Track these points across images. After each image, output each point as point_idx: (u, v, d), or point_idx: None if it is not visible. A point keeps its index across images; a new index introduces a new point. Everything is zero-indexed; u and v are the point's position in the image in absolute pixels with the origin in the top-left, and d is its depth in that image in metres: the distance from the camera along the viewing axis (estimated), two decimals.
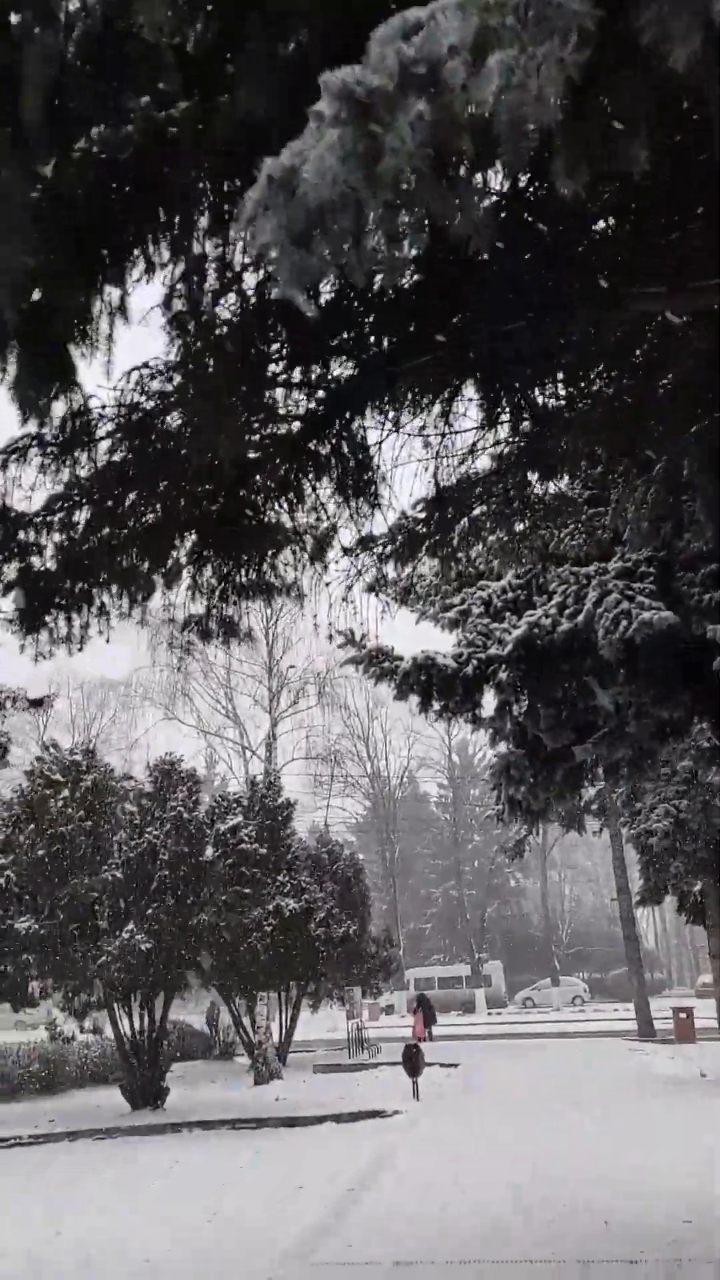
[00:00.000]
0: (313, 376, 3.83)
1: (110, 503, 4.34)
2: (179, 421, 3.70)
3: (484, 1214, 8.58)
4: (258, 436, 4.25)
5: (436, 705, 7.56)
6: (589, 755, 8.05)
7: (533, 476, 6.06)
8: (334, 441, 4.12)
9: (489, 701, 7.83)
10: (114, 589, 4.73)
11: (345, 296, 3.55)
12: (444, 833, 67.58)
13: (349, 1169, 10.87)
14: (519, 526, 6.29)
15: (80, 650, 4.35)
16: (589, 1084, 17.58)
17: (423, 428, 4.93)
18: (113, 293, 3.15)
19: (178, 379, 3.50)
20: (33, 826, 16.93)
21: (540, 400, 5.38)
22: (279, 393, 3.84)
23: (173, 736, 25.69)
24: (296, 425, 4.07)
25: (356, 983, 26.79)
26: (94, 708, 27.92)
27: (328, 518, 4.68)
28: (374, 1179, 10.35)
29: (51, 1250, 8.43)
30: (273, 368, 3.71)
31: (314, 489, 4.37)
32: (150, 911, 16.35)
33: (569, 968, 61.56)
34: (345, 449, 4.13)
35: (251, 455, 4.42)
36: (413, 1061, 16.42)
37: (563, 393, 5.49)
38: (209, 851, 16.55)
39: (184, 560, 4.94)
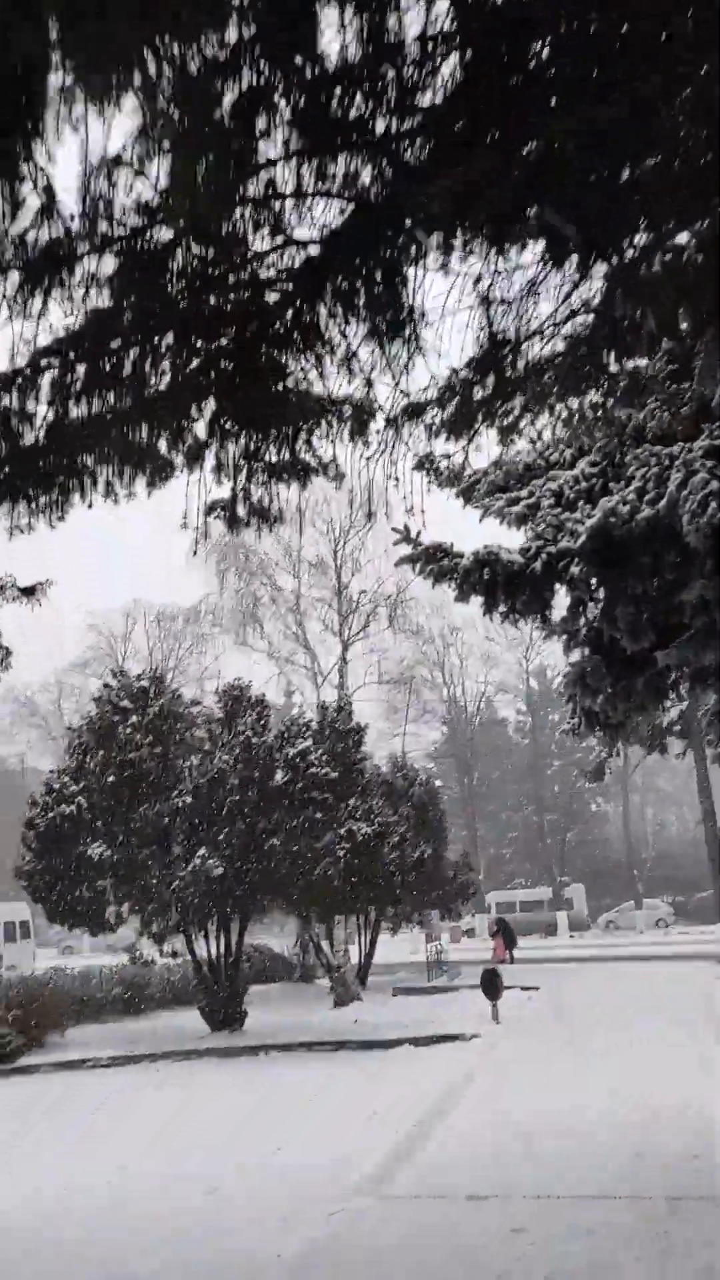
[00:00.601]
0: (335, 181, 3.11)
1: (106, 360, 3.72)
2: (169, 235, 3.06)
3: (563, 1145, 8.14)
4: (272, 271, 3.58)
5: (502, 606, 6.88)
6: (673, 660, 7.30)
7: (608, 355, 5.29)
8: (362, 269, 3.43)
9: (561, 602, 7.13)
10: (124, 468, 4.14)
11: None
12: (523, 758, 67.02)
13: (425, 1095, 10.55)
14: (592, 397, 5.53)
15: (62, 520, 3.79)
16: (676, 1011, 17.06)
17: (476, 278, 4.20)
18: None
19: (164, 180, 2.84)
20: (102, 754, 16.79)
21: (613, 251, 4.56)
22: (288, 205, 3.15)
23: (244, 665, 25.44)
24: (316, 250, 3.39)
25: (435, 906, 26.61)
26: (170, 640, 27.47)
27: (363, 373, 3.99)
28: (450, 1106, 10.01)
29: (122, 1180, 8.24)
30: (280, 170, 3.02)
31: (342, 333, 3.69)
32: (221, 837, 16.16)
33: (652, 891, 60.88)
34: (377, 276, 3.42)
35: (270, 297, 3.75)
36: (492, 984, 16.09)
37: (641, 240, 4.68)
38: (278, 776, 16.24)
39: (203, 435, 4.32)
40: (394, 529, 7.13)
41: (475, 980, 21.36)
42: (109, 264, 3.34)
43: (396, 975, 27.79)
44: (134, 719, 16.96)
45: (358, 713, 20.11)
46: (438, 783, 28.94)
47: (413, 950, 38.45)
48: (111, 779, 16.61)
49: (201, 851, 15.77)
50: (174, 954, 20.14)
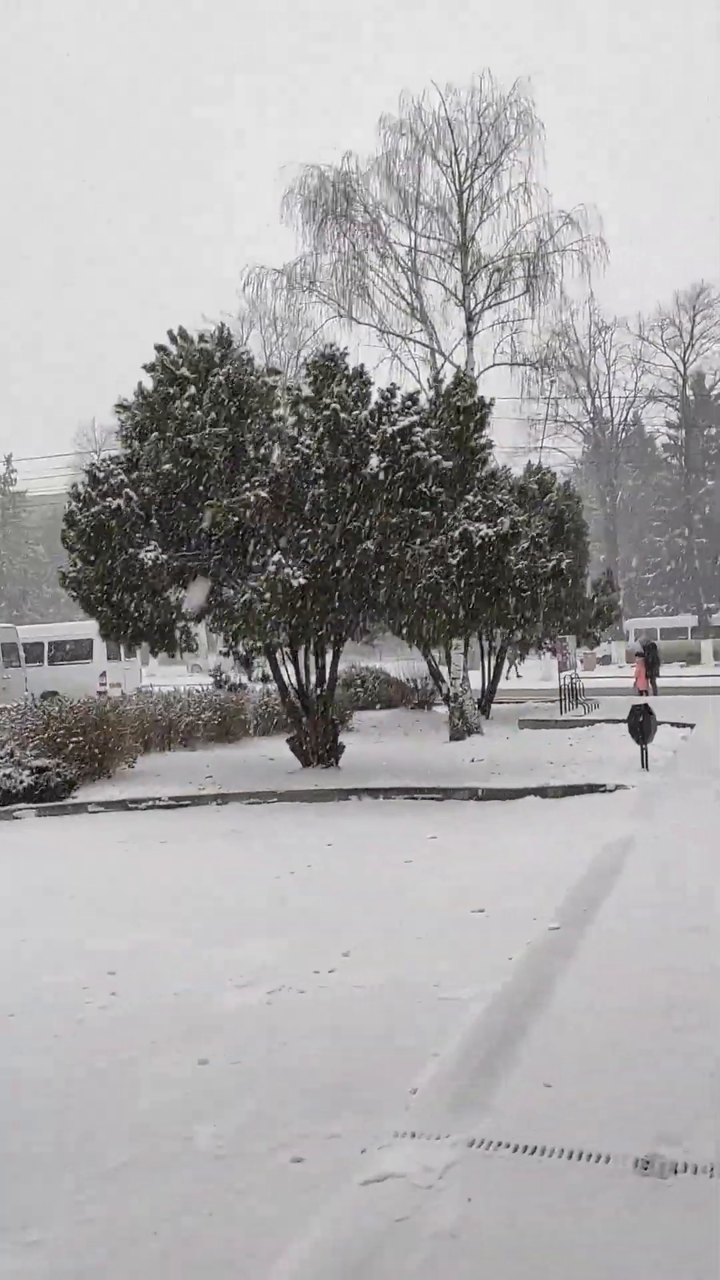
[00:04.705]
0: None
1: None
2: None
3: None
4: None
5: None
6: None
7: None
8: None
9: None
10: None
11: None
12: (671, 478, 61.22)
13: (552, 875, 7.49)
14: None
15: None
16: None
17: None
18: None
19: None
20: (156, 435, 13.38)
21: None
22: None
23: (349, 344, 21.13)
24: None
25: (570, 631, 23.31)
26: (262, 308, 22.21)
27: None
28: (591, 893, 6.90)
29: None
30: None
31: None
32: (304, 540, 12.83)
33: None
34: None
35: None
36: (642, 725, 12.81)
37: None
38: (373, 462, 12.59)
39: None
40: None
41: (613, 714, 18.35)
42: None
43: (524, 704, 25.13)
44: (191, 391, 13.35)
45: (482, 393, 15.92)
46: (576, 490, 24.75)
47: (543, 677, 35.89)
48: (168, 466, 13.27)
49: (276, 557, 12.51)
50: (264, 678, 17.56)
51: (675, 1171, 3.29)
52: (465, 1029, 4.61)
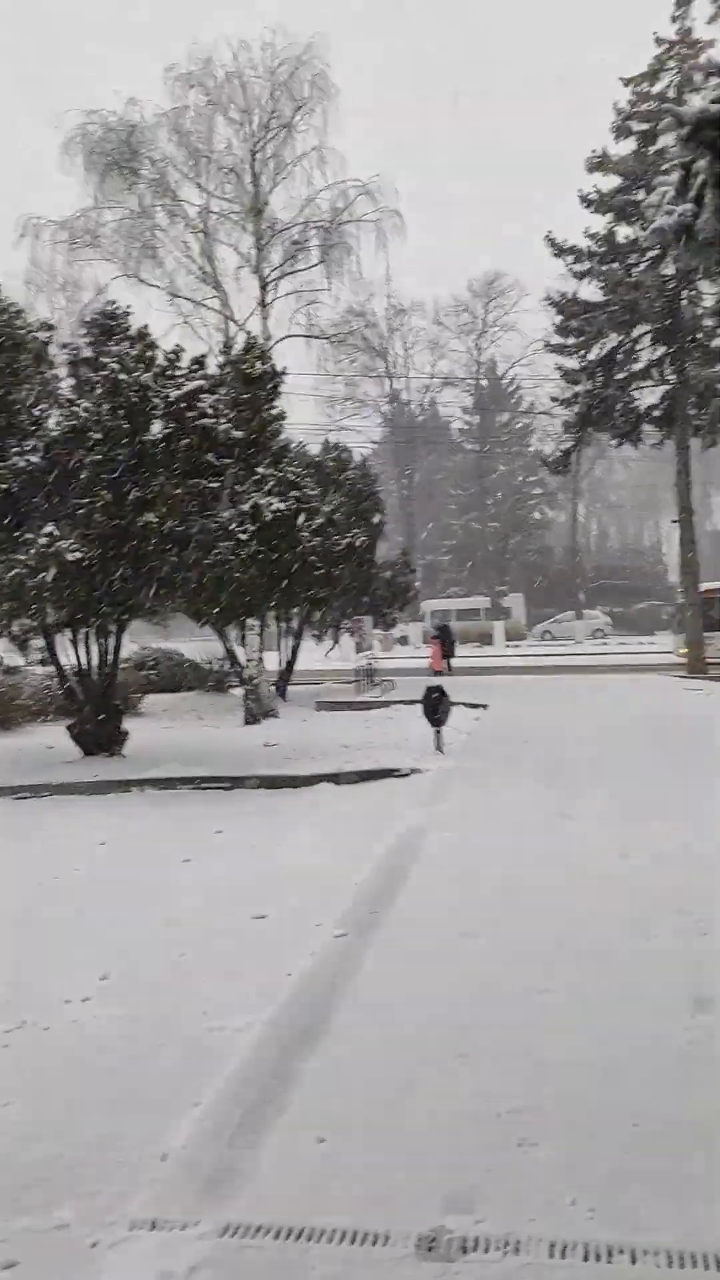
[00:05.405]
0: None
1: None
2: None
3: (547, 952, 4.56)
4: None
5: None
6: None
7: None
8: None
9: None
10: None
11: None
12: (467, 462, 62.59)
13: (342, 872, 6.98)
14: None
15: None
16: (658, 735, 13.87)
17: None
18: None
19: None
20: None
21: None
22: None
23: (136, 307, 19.94)
24: None
25: (367, 611, 23.09)
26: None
27: None
28: (381, 893, 6.42)
29: None
30: None
31: None
32: (81, 511, 11.79)
33: (591, 602, 59.18)
34: None
35: None
36: (437, 707, 12.56)
37: None
38: (155, 428, 11.69)
39: None
40: None
41: (410, 694, 18.18)
42: None
43: (322, 684, 24.75)
44: None
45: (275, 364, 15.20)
46: (374, 471, 24.50)
47: (341, 658, 35.73)
48: None
49: (49, 529, 11.44)
50: (43, 661, 16.32)
51: (465, 1250, 2.76)
52: (231, 1070, 3.97)
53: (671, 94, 24.13)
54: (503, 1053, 4.04)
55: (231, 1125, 3.53)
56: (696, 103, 4.31)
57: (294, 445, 18.98)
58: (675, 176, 4.66)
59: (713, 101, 4.34)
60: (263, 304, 19.14)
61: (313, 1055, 4.08)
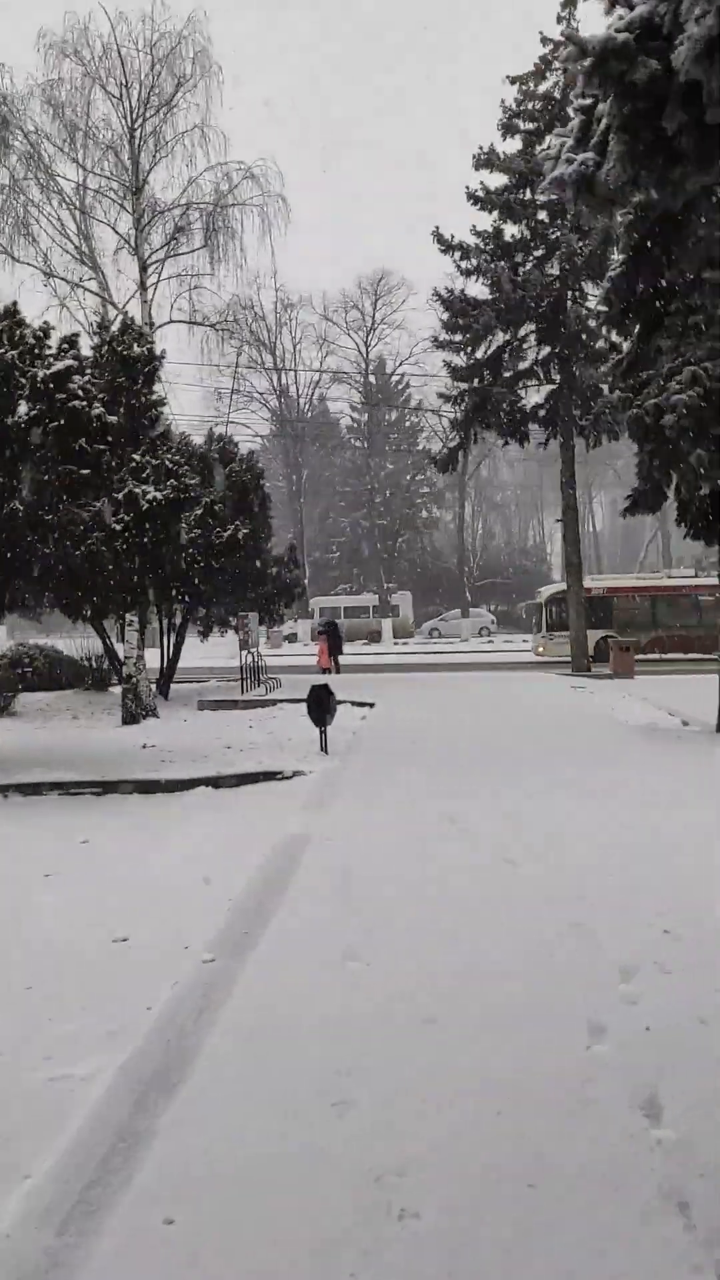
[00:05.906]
0: None
1: None
2: None
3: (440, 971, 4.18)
4: None
5: None
6: None
7: None
8: None
9: None
10: None
11: None
12: (355, 459, 62.36)
13: (216, 886, 6.46)
14: None
15: None
16: (551, 732, 13.73)
17: None
18: None
19: None
20: None
21: None
22: None
23: (9, 292, 18.88)
24: None
25: (253, 607, 22.49)
26: None
27: None
28: (257, 909, 5.93)
29: None
30: None
31: None
32: None
33: (477, 600, 59.74)
34: None
35: None
36: (321, 705, 12.13)
37: None
38: (22, 410, 10.92)
39: None
40: None
41: (295, 693, 17.70)
42: None
43: (207, 683, 24.04)
44: None
45: (163, 374, 14.49)
46: (260, 464, 23.88)
47: (229, 655, 34.97)
48: None
49: None
50: None
51: None
52: (72, 1131, 3.43)
53: (557, 95, 24.23)
54: (384, 1098, 3.60)
55: (67, 1205, 3.01)
56: (601, 33, 3.97)
57: (177, 435, 18.26)
58: (576, 123, 4.32)
59: (618, 31, 3.99)
60: (143, 287, 18.36)
61: (168, 1108, 3.57)
